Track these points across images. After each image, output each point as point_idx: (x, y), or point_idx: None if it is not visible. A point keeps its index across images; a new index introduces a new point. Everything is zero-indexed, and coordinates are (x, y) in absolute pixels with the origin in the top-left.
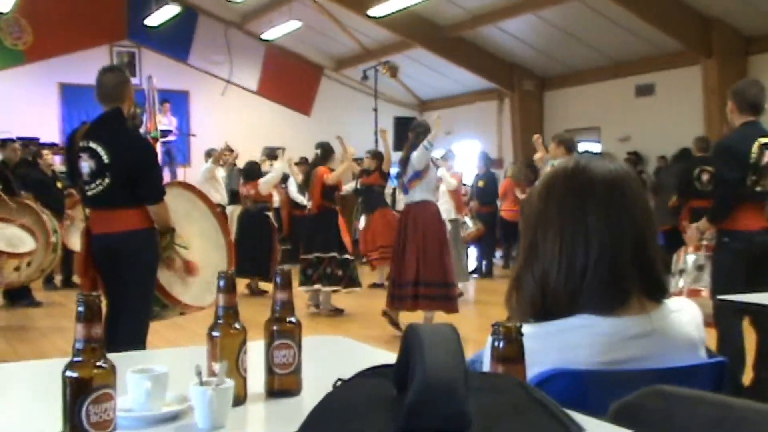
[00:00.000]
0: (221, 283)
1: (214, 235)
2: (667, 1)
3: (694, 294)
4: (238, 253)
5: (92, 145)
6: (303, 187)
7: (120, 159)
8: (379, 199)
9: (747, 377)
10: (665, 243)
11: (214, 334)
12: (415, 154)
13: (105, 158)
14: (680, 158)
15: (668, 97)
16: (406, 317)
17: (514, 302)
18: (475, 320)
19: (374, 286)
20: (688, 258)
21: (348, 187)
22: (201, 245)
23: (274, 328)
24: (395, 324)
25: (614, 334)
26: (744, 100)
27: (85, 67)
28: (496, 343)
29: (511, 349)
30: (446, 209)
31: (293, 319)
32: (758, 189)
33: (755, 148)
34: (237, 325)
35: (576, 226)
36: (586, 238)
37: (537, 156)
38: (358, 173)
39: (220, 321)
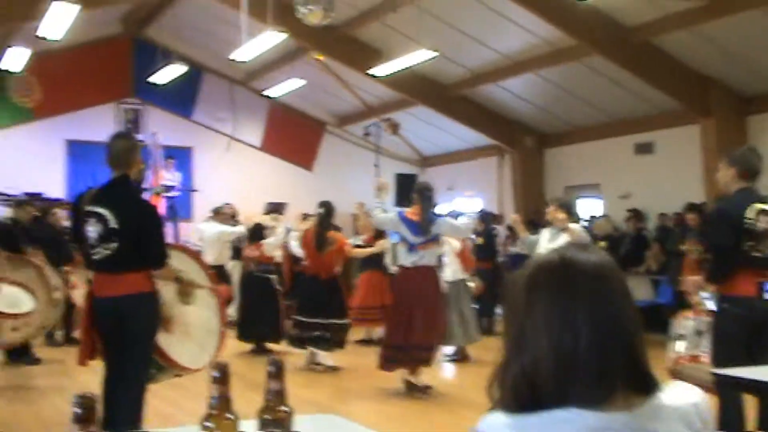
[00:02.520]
0: (215, 373)
1: (206, 295)
2: (665, 62)
3: (693, 360)
4: (246, 316)
5: (99, 210)
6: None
7: (127, 224)
8: (371, 260)
9: None
10: (674, 302)
11: (207, 425)
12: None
13: (112, 223)
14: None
15: (668, 155)
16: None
17: (498, 392)
18: (476, 381)
19: (362, 342)
20: (688, 323)
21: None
22: (195, 306)
23: (266, 417)
24: (417, 389)
25: (598, 429)
26: (747, 168)
27: (92, 124)
28: None
29: None
30: (453, 270)
31: (285, 408)
32: (757, 254)
33: (753, 213)
34: (229, 415)
35: (564, 320)
36: (575, 332)
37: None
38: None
39: (214, 411)
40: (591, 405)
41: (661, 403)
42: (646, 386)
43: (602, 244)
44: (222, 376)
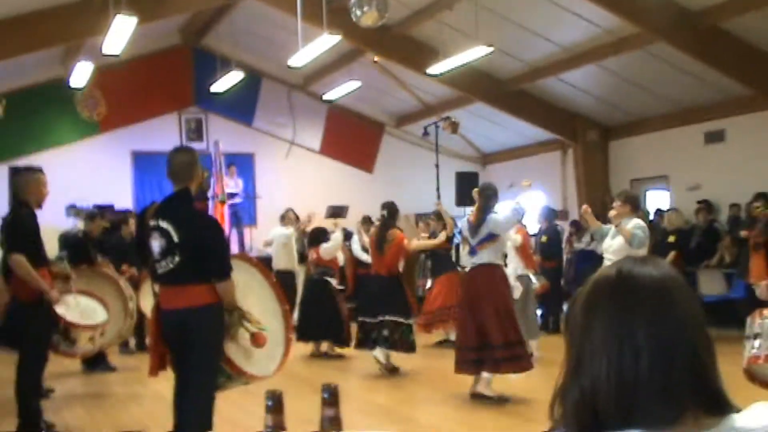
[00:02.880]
0: (269, 403)
1: (271, 303)
2: (734, 46)
3: None
4: (304, 317)
5: (162, 224)
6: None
7: (189, 238)
8: (447, 263)
9: None
10: (747, 296)
11: None
12: (501, 217)
13: (175, 237)
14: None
15: (740, 143)
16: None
17: (559, 415)
18: (543, 380)
19: (443, 343)
20: (764, 321)
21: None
22: (260, 314)
23: None
24: (490, 399)
25: None
26: None
27: (156, 134)
28: None
29: None
30: (514, 266)
31: None
32: None
33: None
34: None
35: (623, 338)
36: (635, 351)
37: (591, 228)
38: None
39: None
40: (658, 426)
41: (735, 426)
42: (719, 406)
43: (671, 238)
44: (275, 405)
